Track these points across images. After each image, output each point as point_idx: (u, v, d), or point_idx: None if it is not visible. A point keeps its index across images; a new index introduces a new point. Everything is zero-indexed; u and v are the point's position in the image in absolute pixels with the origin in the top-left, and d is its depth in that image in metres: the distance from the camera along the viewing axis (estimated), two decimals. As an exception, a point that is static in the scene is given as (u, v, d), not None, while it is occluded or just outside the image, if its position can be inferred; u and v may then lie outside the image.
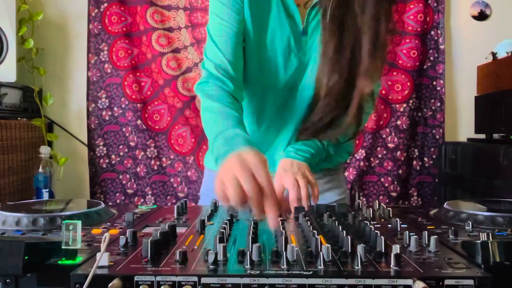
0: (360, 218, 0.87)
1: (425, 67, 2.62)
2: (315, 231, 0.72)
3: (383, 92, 2.59)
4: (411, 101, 2.59)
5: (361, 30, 1.04)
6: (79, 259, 0.65)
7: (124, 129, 2.61)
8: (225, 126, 0.99)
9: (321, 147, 1.17)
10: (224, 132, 0.97)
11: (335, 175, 1.31)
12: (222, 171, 0.83)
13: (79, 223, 0.65)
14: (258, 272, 0.60)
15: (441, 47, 2.61)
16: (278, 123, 1.20)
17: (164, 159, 2.60)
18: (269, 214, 0.77)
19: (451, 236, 0.78)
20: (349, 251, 0.67)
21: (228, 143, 0.93)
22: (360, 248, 0.64)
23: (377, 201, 1.06)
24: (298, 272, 0.60)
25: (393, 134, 2.60)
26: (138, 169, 2.60)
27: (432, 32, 2.61)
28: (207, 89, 1.11)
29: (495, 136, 2.19)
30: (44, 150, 2.30)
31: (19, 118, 2.30)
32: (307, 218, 0.86)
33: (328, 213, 0.94)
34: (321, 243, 0.68)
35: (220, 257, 0.64)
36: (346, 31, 1.07)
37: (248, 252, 0.63)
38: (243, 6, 1.11)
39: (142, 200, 2.62)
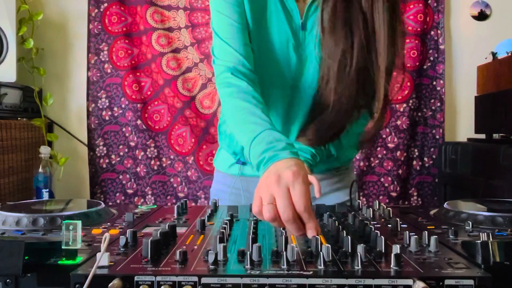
0: (360, 218, 0.87)
1: (425, 67, 2.62)
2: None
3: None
4: (411, 101, 2.59)
5: (374, 26, 1.03)
6: (79, 259, 0.65)
7: (124, 129, 2.61)
8: (262, 126, 0.95)
9: (322, 147, 1.17)
10: (263, 134, 0.93)
11: (344, 174, 1.30)
12: (261, 186, 0.82)
13: (79, 223, 0.65)
14: (258, 272, 0.60)
15: (441, 47, 2.61)
16: (284, 123, 1.19)
17: (164, 159, 2.60)
18: (309, 235, 0.77)
19: (451, 236, 0.78)
20: (349, 251, 0.67)
21: (270, 148, 0.88)
22: (360, 248, 0.64)
23: (377, 201, 1.06)
24: (298, 272, 0.60)
25: (393, 134, 2.60)
26: (138, 169, 2.60)
27: (432, 32, 2.61)
28: (230, 88, 1.06)
29: (495, 136, 2.19)
30: (44, 150, 2.30)
31: (19, 118, 2.30)
32: (307, 218, 0.86)
33: (328, 213, 0.94)
34: (321, 243, 0.68)
35: (220, 257, 0.64)
36: (355, 30, 1.05)
37: (248, 252, 0.63)
38: (243, 1, 1.10)
39: (142, 200, 2.61)
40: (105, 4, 2.58)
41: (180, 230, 0.84)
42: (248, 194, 1.26)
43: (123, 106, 2.59)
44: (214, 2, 1.12)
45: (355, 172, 2.57)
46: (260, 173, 0.87)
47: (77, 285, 0.59)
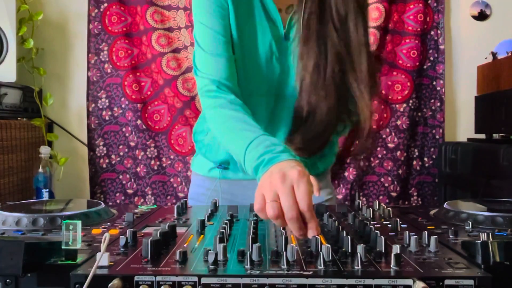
0: (360, 218, 0.87)
1: (425, 67, 2.62)
2: (315, 231, 0.72)
3: (383, 92, 2.59)
4: (411, 101, 2.59)
5: (345, 43, 1.03)
6: (79, 259, 0.65)
7: (124, 129, 2.61)
8: (257, 132, 0.95)
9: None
10: (259, 139, 0.93)
11: (322, 176, 1.32)
12: (264, 184, 0.81)
13: (79, 223, 0.65)
14: (258, 272, 0.60)
15: (441, 47, 2.61)
16: (268, 131, 1.18)
17: (164, 159, 2.60)
18: (310, 234, 0.77)
19: (451, 236, 0.78)
20: (349, 251, 0.67)
21: (269, 151, 0.88)
22: (360, 248, 0.64)
23: (377, 201, 1.07)
24: (298, 272, 0.60)
25: (393, 134, 2.60)
26: (138, 169, 2.60)
27: (432, 32, 2.61)
28: (217, 100, 1.06)
29: (495, 136, 2.19)
30: (44, 150, 2.29)
31: (19, 118, 2.30)
32: (307, 218, 0.86)
33: (328, 213, 0.94)
34: (321, 243, 0.68)
35: (220, 257, 0.64)
36: (328, 44, 1.04)
37: (248, 252, 0.63)
38: (227, 12, 1.10)
39: (142, 200, 2.61)
40: (105, 4, 2.58)
41: (180, 230, 0.84)
42: (229, 196, 1.26)
43: (123, 106, 2.59)
44: (198, 14, 1.13)
45: (355, 172, 2.59)
46: (259, 174, 0.87)
47: (77, 285, 0.59)
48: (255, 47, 1.12)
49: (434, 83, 2.62)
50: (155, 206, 1.13)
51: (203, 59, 1.12)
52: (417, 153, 2.63)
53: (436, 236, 0.72)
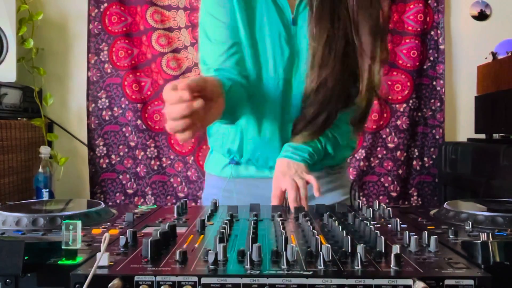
0: (360, 218, 0.87)
1: (425, 67, 2.62)
2: (315, 231, 0.72)
3: (383, 92, 2.59)
4: (411, 101, 2.59)
5: (357, 16, 1.09)
6: (79, 259, 0.65)
7: (124, 129, 2.61)
8: None
9: (320, 146, 1.17)
10: None
11: (339, 173, 1.30)
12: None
13: (79, 223, 0.65)
14: (258, 272, 0.60)
15: (441, 47, 2.61)
16: (279, 121, 1.19)
17: (164, 159, 2.60)
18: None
19: (451, 236, 0.78)
20: (349, 251, 0.67)
21: None
22: (360, 248, 0.64)
23: (377, 201, 1.06)
24: (298, 272, 0.60)
25: (393, 134, 2.60)
26: (138, 169, 2.60)
27: (432, 32, 2.61)
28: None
29: (495, 136, 2.19)
30: (44, 150, 2.29)
31: (19, 118, 2.30)
32: (307, 218, 0.86)
33: (328, 213, 0.94)
34: (321, 243, 0.68)
35: (220, 257, 0.64)
36: (337, 21, 1.10)
37: (248, 252, 0.63)
38: (233, 3, 1.12)
39: (142, 200, 2.61)
40: (105, 4, 2.58)
41: (180, 230, 0.84)
42: (241, 197, 1.25)
43: (123, 106, 2.59)
44: (206, 4, 1.15)
45: (355, 172, 2.58)
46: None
47: (77, 285, 0.59)
48: (263, 34, 1.15)
49: (434, 83, 2.62)
50: (155, 206, 1.12)
51: (209, 49, 1.15)
52: (417, 153, 2.63)
53: (436, 236, 0.71)
